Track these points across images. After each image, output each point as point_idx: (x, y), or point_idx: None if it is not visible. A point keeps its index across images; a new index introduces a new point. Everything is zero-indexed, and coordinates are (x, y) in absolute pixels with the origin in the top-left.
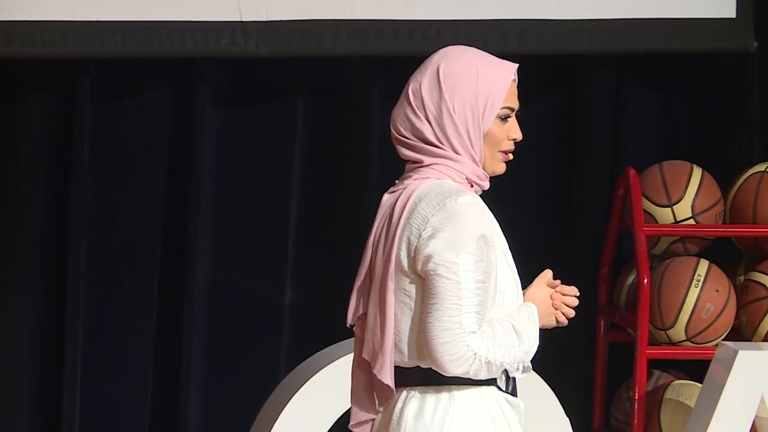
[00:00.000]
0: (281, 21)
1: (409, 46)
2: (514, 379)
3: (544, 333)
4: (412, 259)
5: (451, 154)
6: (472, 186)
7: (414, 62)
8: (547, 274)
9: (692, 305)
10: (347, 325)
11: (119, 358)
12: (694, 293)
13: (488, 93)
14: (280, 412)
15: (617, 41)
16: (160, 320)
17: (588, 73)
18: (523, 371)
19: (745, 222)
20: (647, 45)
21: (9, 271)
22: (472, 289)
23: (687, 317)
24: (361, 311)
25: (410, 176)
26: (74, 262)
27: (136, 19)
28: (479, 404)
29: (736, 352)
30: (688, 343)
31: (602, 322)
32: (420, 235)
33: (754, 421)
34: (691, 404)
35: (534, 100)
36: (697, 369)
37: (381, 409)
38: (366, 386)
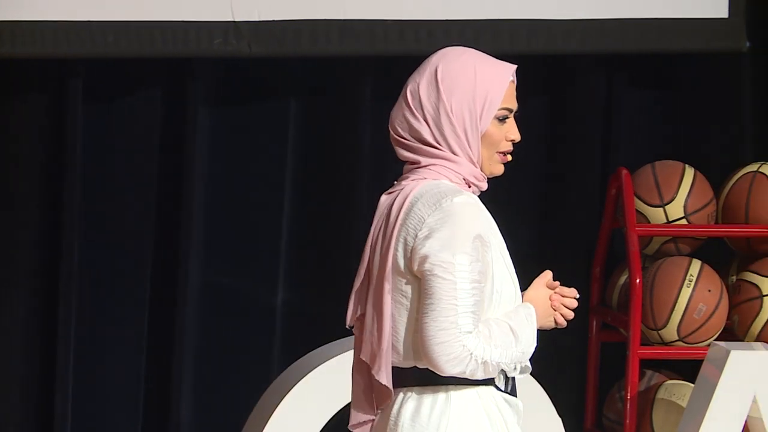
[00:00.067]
0: (273, 21)
1: (401, 46)
2: (513, 378)
3: (538, 333)
4: (409, 259)
5: (449, 154)
6: (469, 187)
7: (406, 62)
8: (547, 275)
9: (684, 305)
10: (346, 327)
11: (112, 358)
12: (686, 293)
13: (486, 94)
14: (273, 412)
15: (610, 41)
16: (153, 320)
17: (580, 73)
18: (522, 371)
19: (738, 222)
20: (640, 45)
21: (9, 271)
22: (467, 289)
23: (679, 317)
24: (359, 312)
25: (408, 177)
26: (66, 262)
27: (129, 19)
28: (476, 404)
29: (728, 352)
30: (681, 343)
31: (594, 322)
32: (416, 236)
33: (746, 422)
34: (684, 404)
35: (526, 100)
36: (689, 369)
37: (380, 410)
38: (365, 387)
